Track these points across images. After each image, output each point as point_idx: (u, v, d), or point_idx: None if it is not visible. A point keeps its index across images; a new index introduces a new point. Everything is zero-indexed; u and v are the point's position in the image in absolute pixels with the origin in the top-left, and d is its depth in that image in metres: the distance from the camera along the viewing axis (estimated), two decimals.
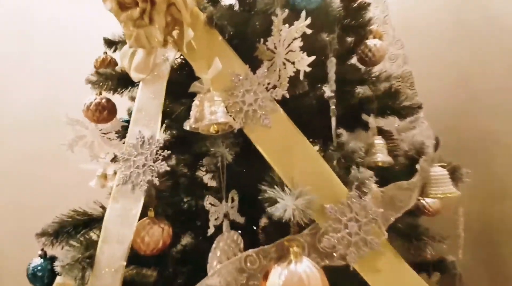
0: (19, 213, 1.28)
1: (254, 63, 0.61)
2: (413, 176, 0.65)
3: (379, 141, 0.74)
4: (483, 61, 1.08)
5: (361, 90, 0.87)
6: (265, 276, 0.49)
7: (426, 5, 1.19)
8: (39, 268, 0.65)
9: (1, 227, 1.29)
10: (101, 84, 0.77)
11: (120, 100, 0.81)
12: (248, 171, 0.74)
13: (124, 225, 0.55)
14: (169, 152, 0.56)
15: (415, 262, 0.65)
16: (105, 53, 0.87)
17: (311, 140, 0.63)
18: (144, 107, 0.62)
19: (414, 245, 0.74)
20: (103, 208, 0.68)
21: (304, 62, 0.55)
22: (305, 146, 0.57)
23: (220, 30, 0.60)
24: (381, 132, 0.80)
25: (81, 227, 0.67)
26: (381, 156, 0.72)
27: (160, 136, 0.60)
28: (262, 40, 0.62)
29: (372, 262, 0.55)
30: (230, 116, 0.56)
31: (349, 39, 0.86)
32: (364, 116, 0.78)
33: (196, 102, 0.55)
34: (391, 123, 0.92)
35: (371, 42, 0.80)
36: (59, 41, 1.32)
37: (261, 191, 0.55)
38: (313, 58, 0.55)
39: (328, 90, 0.65)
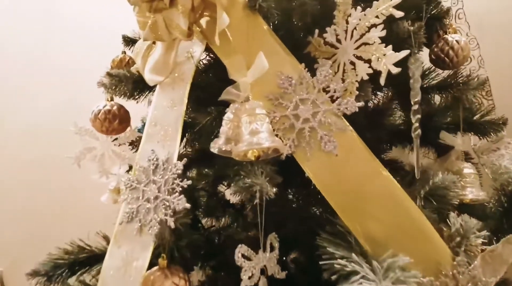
0: (31, 220, 1.21)
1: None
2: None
3: (469, 170, 0.55)
4: None
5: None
6: None
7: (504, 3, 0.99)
8: None
9: (15, 232, 1.23)
10: (114, 87, 0.65)
11: (137, 107, 0.69)
12: (287, 204, 0.57)
13: (126, 281, 0.40)
14: (189, 182, 0.41)
15: None
16: (124, 52, 0.79)
17: None
18: (159, 119, 0.47)
19: None
20: (108, 240, 0.55)
21: (390, 59, 0.37)
22: (388, 184, 0.38)
23: (264, 15, 0.43)
24: None
25: (78, 266, 0.54)
26: (473, 191, 0.53)
27: (179, 157, 0.44)
28: (316, 31, 0.45)
29: None
30: (276, 135, 0.40)
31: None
32: (444, 134, 0.59)
33: (228, 114, 0.39)
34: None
35: (452, 38, 0.62)
36: (82, 41, 1.24)
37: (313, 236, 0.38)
38: (406, 52, 0.37)
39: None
